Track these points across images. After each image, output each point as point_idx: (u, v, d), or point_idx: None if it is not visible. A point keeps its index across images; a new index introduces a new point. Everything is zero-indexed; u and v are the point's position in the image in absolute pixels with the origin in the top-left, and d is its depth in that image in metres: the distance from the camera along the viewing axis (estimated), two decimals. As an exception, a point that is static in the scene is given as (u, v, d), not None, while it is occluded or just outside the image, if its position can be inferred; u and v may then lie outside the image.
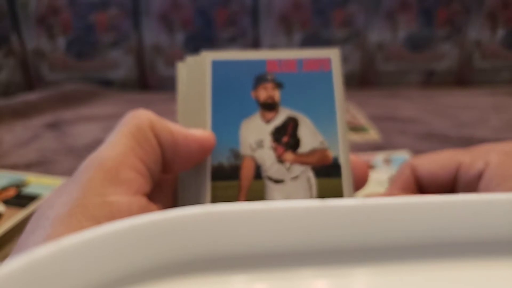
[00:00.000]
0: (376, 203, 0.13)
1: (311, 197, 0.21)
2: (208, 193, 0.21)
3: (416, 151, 0.54)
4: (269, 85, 0.23)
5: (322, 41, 0.94)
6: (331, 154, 0.22)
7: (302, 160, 0.22)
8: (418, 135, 0.64)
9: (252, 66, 0.23)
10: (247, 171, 0.22)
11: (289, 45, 0.94)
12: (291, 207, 0.13)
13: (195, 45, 0.94)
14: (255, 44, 0.95)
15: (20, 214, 0.38)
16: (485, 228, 0.14)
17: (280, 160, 0.22)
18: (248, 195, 0.21)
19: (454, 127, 0.67)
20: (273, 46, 0.94)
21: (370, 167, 0.49)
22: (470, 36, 0.96)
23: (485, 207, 0.14)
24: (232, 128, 0.22)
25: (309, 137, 0.22)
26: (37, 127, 0.67)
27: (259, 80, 0.23)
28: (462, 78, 0.99)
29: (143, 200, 0.18)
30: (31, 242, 0.16)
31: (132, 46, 0.93)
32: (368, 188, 0.24)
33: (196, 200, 0.21)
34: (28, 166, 0.53)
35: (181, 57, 0.25)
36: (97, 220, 0.16)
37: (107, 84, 0.95)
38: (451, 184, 0.25)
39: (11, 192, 0.42)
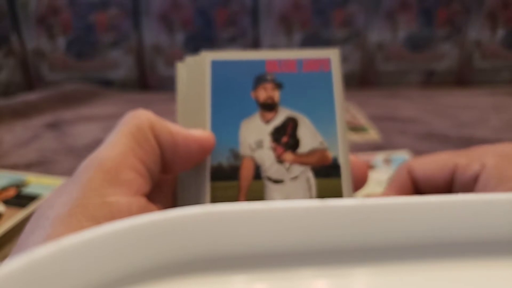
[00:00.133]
0: (376, 203, 0.13)
1: (310, 197, 0.21)
2: (207, 194, 0.21)
3: (416, 151, 0.54)
4: (269, 86, 0.23)
5: (322, 41, 0.94)
6: (331, 154, 0.22)
7: (301, 160, 0.22)
8: (418, 135, 0.64)
9: (251, 66, 0.23)
10: (246, 172, 0.22)
11: (289, 45, 0.94)
12: (291, 207, 0.13)
13: (195, 45, 0.94)
14: (255, 44, 0.95)
15: (20, 214, 0.38)
16: (485, 228, 0.14)
17: (280, 160, 0.22)
18: (248, 196, 0.21)
19: (454, 127, 0.67)
20: (273, 46, 0.94)
21: (370, 167, 0.49)
22: (470, 36, 0.96)
23: (485, 207, 0.14)
24: (232, 129, 0.22)
25: (308, 137, 0.22)
26: (37, 127, 0.67)
27: (259, 80, 0.23)
28: (462, 78, 1.00)
29: (143, 201, 0.18)
30: (31, 242, 0.15)
31: (132, 46, 0.93)
32: (368, 188, 0.24)
33: (195, 200, 0.21)
34: (28, 166, 0.53)
35: (181, 57, 0.25)
36: (97, 220, 0.16)
37: (107, 84, 0.95)
38: (447, 186, 0.25)
39: (11, 192, 0.42)
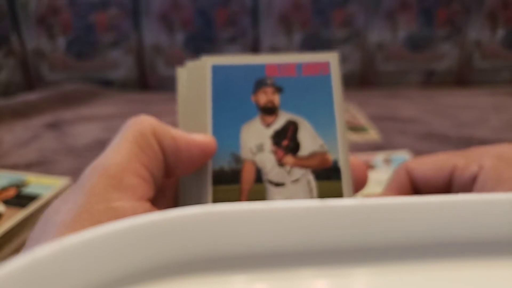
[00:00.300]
0: (376, 203, 0.13)
1: (311, 199, 0.21)
2: (209, 197, 0.21)
3: (416, 151, 0.54)
4: (269, 89, 0.23)
5: (322, 41, 0.94)
6: (331, 157, 0.22)
7: (302, 163, 0.22)
8: (418, 135, 0.64)
9: (251, 71, 0.23)
10: (247, 175, 0.22)
11: (289, 45, 0.94)
12: (291, 207, 0.13)
13: (195, 45, 0.94)
14: (255, 44, 0.95)
15: (20, 214, 0.38)
16: (485, 228, 0.14)
17: (281, 163, 0.22)
18: (249, 199, 0.21)
19: (454, 127, 0.67)
20: (273, 46, 0.94)
21: (370, 167, 0.49)
22: (470, 36, 0.96)
23: (485, 207, 0.14)
24: (233, 133, 0.22)
25: (309, 140, 0.22)
26: (37, 127, 0.67)
27: (259, 84, 0.23)
28: (462, 78, 0.99)
29: (147, 205, 0.18)
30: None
31: (132, 46, 0.93)
32: (368, 188, 0.24)
33: (197, 204, 0.21)
34: (28, 166, 0.53)
35: (181, 57, 0.25)
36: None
37: (107, 84, 0.95)
38: (446, 187, 0.25)
39: (11, 192, 0.42)
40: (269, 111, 0.23)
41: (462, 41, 0.97)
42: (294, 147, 0.22)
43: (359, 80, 0.98)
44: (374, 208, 0.13)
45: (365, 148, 0.57)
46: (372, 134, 0.63)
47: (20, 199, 0.40)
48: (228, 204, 0.13)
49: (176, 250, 0.13)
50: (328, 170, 0.22)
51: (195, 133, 0.22)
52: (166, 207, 0.20)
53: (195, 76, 0.23)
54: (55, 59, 0.93)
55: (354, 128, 0.66)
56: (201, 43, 0.94)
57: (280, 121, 0.23)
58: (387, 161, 0.50)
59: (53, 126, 0.68)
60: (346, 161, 0.22)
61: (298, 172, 0.22)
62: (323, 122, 0.22)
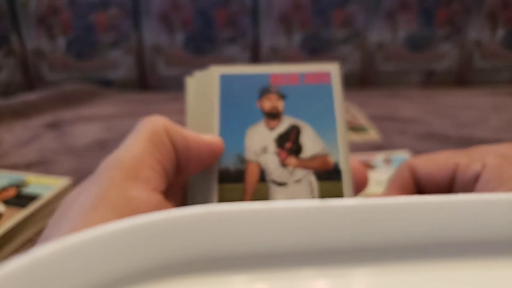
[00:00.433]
0: (376, 203, 0.13)
1: (312, 199, 0.22)
2: (215, 195, 0.22)
3: (416, 151, 0.54)
4: (273, 96, 0.24)
5: (322, 41, 0.94)
6: (332, 159, 0.23)
7: (304, 164, 0.23)
8: (418, 135, 0.64)
9: (257, 80, 0.25)
10: (252, 175, 0.23)
11: (289, 45, 0.94)
12: (291, 207, 0.13)
13: (195, 45, 0.94)
14: (255, 44, 0.95)
15: (20, 214, 0.38)
16: (485, 228, 0.14)
17: (284, 164, 0.23)
18: (253, 197, 0.22)
19: (454, 127, 0.67)
20: (273, 46, 0.94)
21: (370, 167, 0.49)
22: (470, 36, 0.96)
23: (485, 207, 0.14)
24: (238, 135, 0.23)
25: (311, 143, 0.23)
26: (37, 127, 0.67)
27: (264, 91, 0.24)
28: (462, 78, 0.99)
29: (161, 197, 0.19)
30: (57, 235, 0.16)
31: (132, 46, 0.93)
32: (368, 188, 0.25)
33: (204, 201, 0.22)
34: (28, 166, 0.53)
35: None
36: (119, 213, 0.17)
37: (107, 84, 0.95)
38: (448, 185, 0.25)
39: (11, 192, 0.42)
40: (273, 116, 0.24)
41: (462, 41, 0.97)
42: (296, 149, 0.23)
43: (359, 80, 0.98)
44: (374, 208, 0.13)
45: (365, 148, 0.57)
46: (372, 134, 0.63)
47: (20, 199, 0.40)
48: (228, 204, 0.13)
49: (176, 250, 0.13)
50: (330, 171, 0.23)
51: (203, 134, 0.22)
52: (175, 204, 0.21)
53: (204, 85, 0.25)
54: (55, 59, 0.93)
55: (354, 128, 0.66)
56: (201, 43, 0.93)
57: (283, 125, 0.24)
58: (387, 161, 0.50)
59: (53, 126, 0.68)
60: (347, 163, 0.23)
61: (300, 173, 0.23)
62: (325, 127, 0.23)
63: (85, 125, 0.69)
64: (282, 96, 0.24)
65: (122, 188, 0.18)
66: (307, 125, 0.24)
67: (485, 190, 0.22)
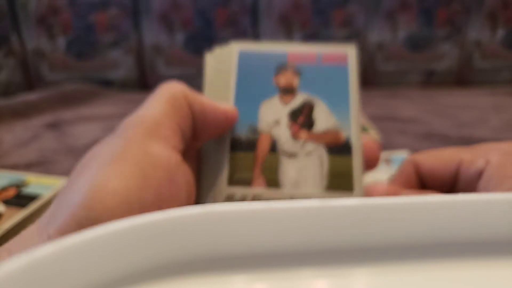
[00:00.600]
0: (376, 203, 0.13)
1: (321, 173, 0.23)
2: (226, 162, 0.23)
3: (416, 151, 0.54)
4: (289, 72, 0.25)
5: (322, 41, 0.94)
6: (344, 135, 0.23)
7: (315, 138, 0.23)
8: (418, 135, 0.64)
9: (275, 57, 0.25)
10: (263, 145, 0.23)
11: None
12: (291, 207, 0.13)
13: (195, 45, 0.94)
14: (255, 44, 0.95)
15: (20, 214, 0.38)
16: (485, 228, 0.14)
17: (295, 137, 0.23)
18: (263, 166, 0.23)
19: (454, 127, 0.67)
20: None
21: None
22: (470, 36, 0.96)
23: (485, 207, 0.14)
24: (252, 108, 0.24)
25: (323, 118, 0.24)
26: (37, 127, 0.67)
27: (280, 68, 0.25)
28: (462, 78, 0.99)
29: (179, 156, 0.20)
30: (79, 185, 0.16)
31: (132, 46, 0.93)
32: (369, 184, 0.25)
33: (216, 167, 0.23)
34: (28, 166, 0.53)
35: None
36: (141, 166, 0.17)
37: (107, 84, 0.95)
38: (452, 181, 0.25)
39: (11, 192, 0.42)
40: (288, 91, 0.24)
41: (462, 41, 0.97)
42: (309, 124, 0.24)
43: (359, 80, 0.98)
44: (374, 208, 0.13)
45: (365, 148, 0.57)
46: (372, 134, 0.63)
47: (20, 199, 0.40)
48: (228, 204, 0.13)
49: (176, 250, 0.13)
50: (341, 146, 0.23)
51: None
52: (191, 168, 0.22)
53: (222, 60, 0.26)
54: (55, 59, 0.93)
55: (354, 128, 0.66)
56: (201, 43, 0.93)
57: (297, 100, 0.24)
58: (387, 161, 0.50)
59: (53, 126, 0.68)
60: (358, 139, 0.23)
61: (311, 146, 0.23)
62: (338, 104, 0.24)
63: (85, 125, 0.69)
64: (298, 73, 0.25)
65: (142, 144, 0.18)
66: (321, 102, 0.24)
67: (487, 187, 0.22)
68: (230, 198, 0.22)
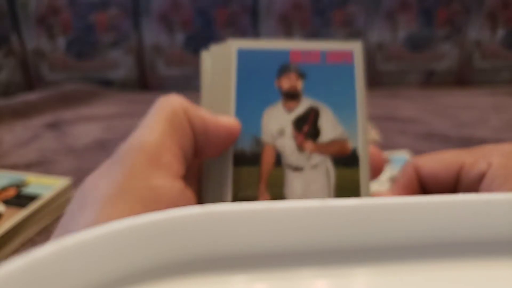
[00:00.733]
0: (376, 203, 0.13)
1: (329, 186, 0.22)
2: (230, 178, 0.22)
3: (416, 151, 0.54)
4: (293, 75, 0.23)
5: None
6: (350, 145, 0.22)
7: (321, 149, 0.22)
8: (418, 135, 0.64)
9: (276, 56, 0.23)
10: (267, 158, 0.22)
11: (289, 45, 0.94)
12: (291, 207, 0.13)
13: (195, 45, 0.94)
14: (255, 44, 0.95)
15: (20, 214, 0.38)
16: (485, 228, 0.14)
17: (300, 148, 0.22)
18: (268, 182, 0.22)
19: (454, 127, 0.67)
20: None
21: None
22: (470, 36, 0.96)
23: (485, 207, 0.14)
24: (255, 116, 0.23)
25: (329, 127, 0.23)
26: (37, 127, 0.67)
27: (283, 70, 0.23)
28: (462, 78, 0.99)
29: (181, 184, 0.19)
30: (81, 222, 0.16)
31: (132, 46, 0.93)
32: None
33: (219, 184, 0.22)
34: (28, 166, 0.53)
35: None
36: (144, 203, 0.17)
37: (107, 84, 0.95)
38: (453, 184, 0.25)
39: (11, 192, 0.42)
40: (292, 96, 0.23)
41: (462, 41, 0.97)
42: (314, 133, 0.23)
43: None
44: (374, 208, 0.13)
45: (365, 148, 0.57)
46: (372, 134, 0.63)
47: (20, 199, 0.40)
48: (228, 204, 0.13)
49: (176, 250, 0.13)
50: (347, 157, 0.22)
51: (220, 115, 0.22)
52: (193, 188, 0.21)
53: (220, 60, 0.24)
54: (55, 59, 0.93)
55: (354, 128, 0.65)
56: (201, 43, 0.93)
57: (302, 107, 0.23)
58: (387, 161, 0.50)
59: (53, 126, 0.68)
60: (365, 149, 0.22)
61: (317, 158, 0.22)
62: (345, 110, 0.23)
63: (85, 125, 0.69)
64: (302, 75, 0.23)
65: (145, 176, 0.17)
66: (326, 108, 0.23)
67: (490, 189, 0.22)
68: None
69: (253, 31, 0.94)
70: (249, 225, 0.13)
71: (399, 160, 0.50)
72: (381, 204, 0.13)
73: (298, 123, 0.23)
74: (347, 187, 0.22)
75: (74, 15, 0.91)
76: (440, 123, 0.69)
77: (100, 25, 0.92)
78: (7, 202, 0.40)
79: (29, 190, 0.42)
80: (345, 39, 0.95)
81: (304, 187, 0.22)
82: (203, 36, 0.93)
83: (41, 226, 0.40)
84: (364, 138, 0.22)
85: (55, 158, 0.56)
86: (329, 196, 0.22)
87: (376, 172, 0.23)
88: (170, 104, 0.20)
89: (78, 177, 0.45)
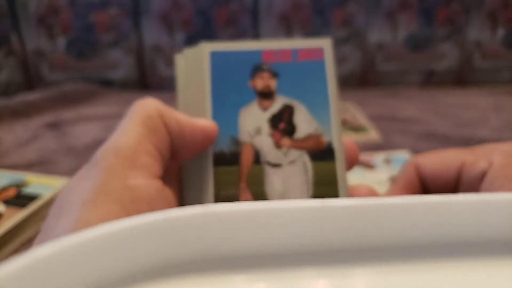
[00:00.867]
0: (376, 203, 0.13)
1: (307, 180, 0.23)
2: (211, 178, 0.22)
3: (416, 151, 0.54)
4: (266, 75, 0.24)
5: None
6: (325, 139, 0.23)
7: (298, 145, 0.23)
8: (418, 135, 0.64)
9: (248, 57, 0.24)
10: (246, 157, 0.23)
11: (289, 45, 0.94)
12: (291, 207, 0.13)
13: (195, 45, 0.94)
14: (255, 44, 0.95)
15: (20, 214, 0.38)
16: (485, 228, 0.14)
17: (278, 145, 0.23)
18: (248, 179, 0.22)
19: (454, 127, 0.67)
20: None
21: (370, 167, 0.49)
22: (470, 36, 0.96)
23: (485, 207, 0.14)
24: (232, 117, 0.23)
25: (304, 123, 0.23)
26: (37, 127, 0.67)
27: (256, 70, 0.24)
28: (462, 78, 0.99)
29: (159, 183, 0.19)
30: (59, 227, 0.16)
31: (132, 46, 0.93)
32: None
33: (200, 185, 0.22)
34: (28, 166, 0.53)
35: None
36: (122, 203, 0.17)
37: (107, 84, 0.95)
38: (454, 183, 0.25)
39: (11, 192, 0.42)
40: (266, 95, 0.24)
41: (462, 41, 0.97)
42: (290, 130, 0.23)
43: (359, 80, 0.98)
44: (374, 208, 0.13)
45: (365, 148, 0.57)
46: (372, 134, 0.63)
47: (20, 199, 0.40)
48: (228, 204, 0.13)
49: (176, 250, 0.13)
50: (323, 151, 0.23)
51: (196, 117, 0.22)
52: (173, 189, 0.21)
53: (194, 62, 0.24)
54: (55, 59, 0.93)
55: (354, 128, 0.66)
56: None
57: (276, 105, 0.24)
58: (387, 161, 0.50)
59: (53, 126, 0.68)
60: (340, 142, 0.23)
61: (294, 154, 0.23)
62: (318, 106, 0.24)
63: (85, 125, 0.69)
64: (275, 74, 0.24)
65: (121, 177, 0.18)
66: (300, 105, 0.24)
67: (491, 188, 0.22)
68: None
69: (253, 31, 0.94)
70: (249, 225, 0.13)
71: (399, 160, 0.50)
72: (381, 204, 0.13)
73: (274, 121, 0.23)
74: (325, 180, 0.23)
75: (74, 15, 0.91)
76: (440, 123, 0.69)
77: (100, 25, 0.92)
78: (7, 202, 0.40)
79: (29, 190, 0.42)
80: (345, 39, 0.95)
81: (283, 182, 0.23)
82: (203, 36, 0.93)
83: (41, 226, 0.40)
84: (338, 132, 0.23)
85: (55, 158, 0.56)
86: (307, 190, 0.23)
87: (351, 163, 0.24)
88: (145, 107, 0.21)
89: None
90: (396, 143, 0.60)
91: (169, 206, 0.20)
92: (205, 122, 0.22)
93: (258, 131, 0.23)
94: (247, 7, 0.92)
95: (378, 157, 0.51)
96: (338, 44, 0.95)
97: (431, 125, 0.68)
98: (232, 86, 0.23)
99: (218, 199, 0.22)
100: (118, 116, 0.22)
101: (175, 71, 0.25)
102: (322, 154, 0.23)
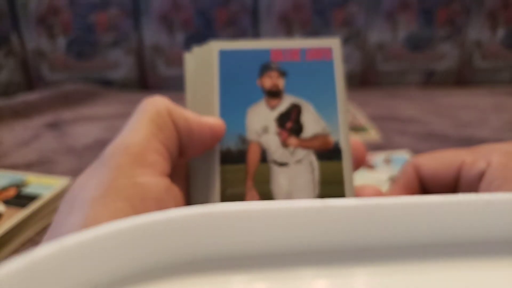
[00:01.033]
0: (376, 203, 0.13)
1: (313, 179, 0.23)
2: (217, 176, 0.22)
3: (416, 151, 0.54)
4: (274, 74, 0.24)
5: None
6: (333, 139, 0.23)
7: (305, 144, 0.23)
8: (418, 135, 0.64)
9: (257, 56, 0.24)
10: (253, 155, 0.23)
11: (289, 45, 0.94)
12: (291, 207, 0.13)
13: (195, 45, 0.94)
14: (255, 44, 0.95)
15: (20, 214, 0.38)
16: (485, 228, 0.14)
17: (284, 144, 0.23)
18: (255, 178, 0.22)
19: (454, 127, 0.67)
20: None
21: (370, 167, 0.49)
22: (470, 36, 0.96)
23: (485, 207, 0.14)
24: (239, 115, 0.23)
25: (311, 123, 0.23)
26: (37, 127, 0.67)
27: (264, 68, 0.24)
28: (462, 78, 0.99)
29: (167, 181, 0.19)
30: (69, 224, 0.16)
31: (132, 46, 0.93)
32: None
33: (206, 183, 0.23)
34: (28, 166, 0.53)
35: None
36: (130, 200, 0.17)
37: (107, 84, 0.95)
38: (453, 183, 0.25)
39: (11, 192, 0.42)
40: (274, 94, 0.24)
41: (462, 41, 0.97)
42: (297, 129, 0.23)
43: (359, 80, 0.98)
44: (374, 208, 0.13)
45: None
46: (372, 134, 0.63)
47: (20, 199, 0.40)
48: (228, 204, 0.13)
49: (176, 250, 0.13)
50: (330, 151, 0.23)
51: (204, 115, 0.22)
52: (180, 187, 0.21)
53: (202, 61, 0.24)
54: (55, 59, 0.93)
55: (354, 128, 0.66)
56: (201, 43, 0.93)
57: (284, 104, 0.24)
58: (387, 161, 0.50)
59: (53, 126, 0.68)
60: (347, 142, 0.23)
61: (301, 153, 0.23)
62: (326, 106, 0.24)
63: (85, 125, 0.69)
64: (283, 74, 0.24)
65: (130, 175, 0.18)
66: (308, 104, 0.24)
67: (489, 189, 0.22)
68: None
69: (253, 31, 0.94)
70: (249, 225, 0.13)
71: (399, 160, 0.50)
72: (381, 204, 0.13)
73: (281, 120, 0.23)
74: (331, 180, 0.23)
75: (74, 15, 0.91)
76: (440, 123, 0.69)
77: (100, 25, 0.92)
78: (7, 202, 0.40)
79: (29, 190, 0.42)
80: (345, 39, 0.95)
81: (289, 182, 0.23)
82: (203, 36, 0.93)
83: (41, 226, 0.40)
84: (345, 132, 0.23)
85: (55, 158, 0.56)
86: (314, 189, 0.23)
87: (358, 163, 0.24)
88: (154, 105, 0.21)
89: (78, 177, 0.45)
90: (396, 143, 0.60)
91: (177, 203, 0.20)
92: (213, 120, 0.22)
93: (266, 130, 0.23)
94: (247, 7, 0.92)
95: (378, 157, 0.51)
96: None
97: (431, 125, 0.68)
98: (240, 84, 0.24)
99: (224, 197, 0.22)
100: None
101: (184, 69, 0.25)
102: (329, 153, 0.23)
